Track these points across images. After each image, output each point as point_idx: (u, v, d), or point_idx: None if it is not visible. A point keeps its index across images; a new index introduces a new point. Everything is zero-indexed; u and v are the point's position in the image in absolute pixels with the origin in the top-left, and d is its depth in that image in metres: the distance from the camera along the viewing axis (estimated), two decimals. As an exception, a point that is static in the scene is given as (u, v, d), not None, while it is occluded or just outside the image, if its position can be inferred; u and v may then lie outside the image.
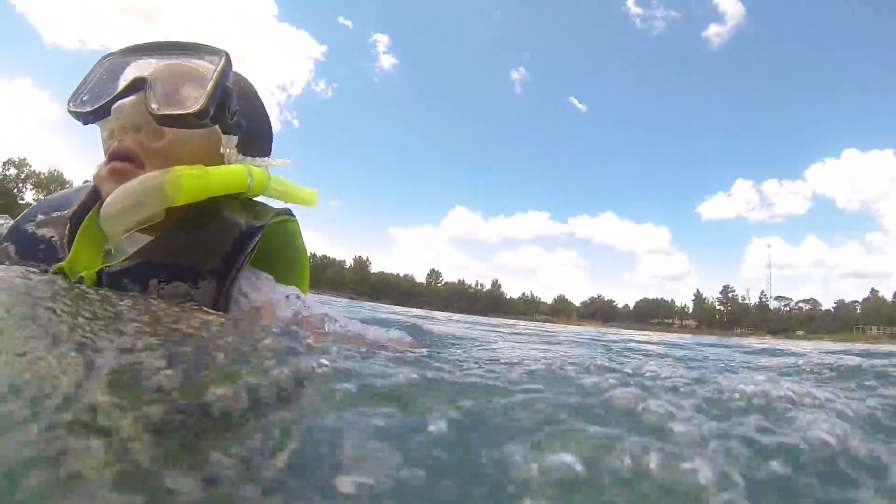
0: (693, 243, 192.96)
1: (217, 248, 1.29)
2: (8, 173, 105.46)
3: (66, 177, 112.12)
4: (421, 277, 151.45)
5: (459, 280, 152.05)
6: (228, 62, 1.37)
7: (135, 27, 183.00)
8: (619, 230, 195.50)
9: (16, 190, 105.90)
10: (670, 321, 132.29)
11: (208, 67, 1.38)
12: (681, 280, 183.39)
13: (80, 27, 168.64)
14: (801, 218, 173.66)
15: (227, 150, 1.43)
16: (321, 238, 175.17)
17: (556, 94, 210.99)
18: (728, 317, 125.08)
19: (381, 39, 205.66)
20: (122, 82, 1.35)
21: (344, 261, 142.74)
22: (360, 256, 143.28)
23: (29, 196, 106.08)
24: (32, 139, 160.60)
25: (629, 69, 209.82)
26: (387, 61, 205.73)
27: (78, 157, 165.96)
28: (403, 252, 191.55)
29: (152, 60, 1.39)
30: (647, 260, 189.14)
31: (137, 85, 1.31)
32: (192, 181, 1.27)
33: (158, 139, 1.33)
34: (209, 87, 1.32)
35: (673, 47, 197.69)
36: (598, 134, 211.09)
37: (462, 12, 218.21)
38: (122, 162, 1.30)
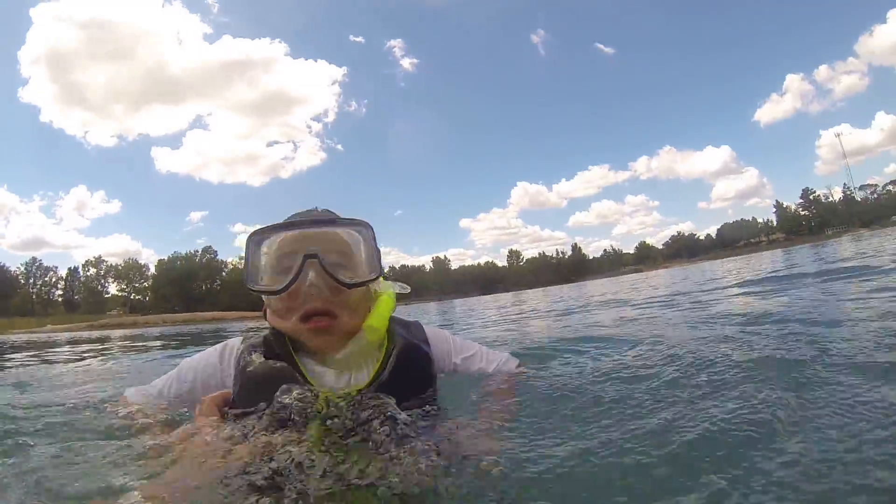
0: (759, 154, 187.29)
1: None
2: (89, 273, 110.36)
3: (141, 261, 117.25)
4: (502, 261, 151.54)
5: (540, 254, 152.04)
6: (371, 228, 1.84)
7: (164, 112, 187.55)
8: (681, 161, 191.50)
9: (100, 287, 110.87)
10: (756, 240, 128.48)
11: (352, 234, 1.83)
12: (757, 195, 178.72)
13: (115, 125, 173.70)
14: (863, 96, 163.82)
15: (378, 288, 1.88)
16: (397, 250, 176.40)
17: (580, 44, 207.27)
18: (815, 220, 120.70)
19: (397, 44, 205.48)
20: (295, 259, 1.71)
21: (423, 265, 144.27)
22: (437, 257, 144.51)
23: (112, 288, 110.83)
24: (100, 238, 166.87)
25: None
26: (408, 63, 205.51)
27: (145, 241, 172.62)
28: (480, 240, 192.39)
29: (300, 233, 1.77)
30: (717, 184, 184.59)
31: (310, 259, 1.68)
32: (381, 330, 1.80)
33: (340, 295, 1.73)
34: (374, 254, 1.83)
35: None
36: (632, 73, 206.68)
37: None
38: (321, 318, 1.70)
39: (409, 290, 1.99)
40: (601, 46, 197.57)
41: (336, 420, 1.52)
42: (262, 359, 1.72)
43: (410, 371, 1.80)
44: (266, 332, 1.83)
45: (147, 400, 1.92)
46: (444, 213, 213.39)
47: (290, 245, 1.75)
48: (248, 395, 1.65)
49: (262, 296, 1.77)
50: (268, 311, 1.83)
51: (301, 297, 1.70)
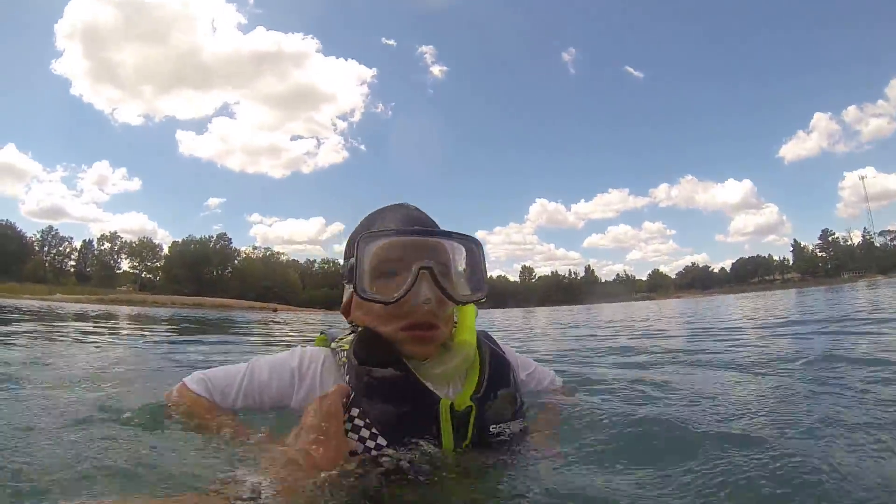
0: (781, 191, 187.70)
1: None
2: (104, 248, 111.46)
3: (156, 241, 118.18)
4: (514, 276, 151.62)
5: (553, 272, 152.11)
6: (481, 246, 1.85)
7: (192, 97, 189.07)
8: (702, 192, 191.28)
9: (112, 262, 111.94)
10: (771, 278, 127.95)
11: (462, 249, 1.82)
12: (775, 232, 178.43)
13: (143, 105, 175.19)
14: (891, 140, 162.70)
15: None
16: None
17: (611, 65, 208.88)
18: (832, 262, 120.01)
19: (428, 51, 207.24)
20: (403, 267, 1.68)
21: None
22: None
23: (125, 265, 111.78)
24: (117, 214, 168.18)
25: (678, 25, 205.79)
26: (438, 70, 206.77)
27: (161, 222, 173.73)
28: (493, 253, 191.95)
29: (412, 240, 1.73)
30: (736, 217, 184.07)
31: (424, 271, 1.65)
32: (473, 343, 1.78)
33: (444, 308, 1.72)
34: (482, 270, 1.84)
35: None
36: (660, 99, 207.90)
37: (500, 4, 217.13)
38: (426, 331, 1.68)
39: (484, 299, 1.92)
40: (631, 70, 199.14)
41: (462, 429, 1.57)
42: (382, 368, 1.66)
43: (501, 385, 1.79)
44: (360, 337, 1.74)
45: (214, 395, 1.77)
46: (461, 224, 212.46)
47: (401, 252, 1.72)
48: (373, 403, 1.61)
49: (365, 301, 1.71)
50: (359, 312, 1.79)
51: (408, 306, 1.66)
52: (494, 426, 1.63)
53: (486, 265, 1.86)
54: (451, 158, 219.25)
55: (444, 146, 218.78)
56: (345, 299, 1.87)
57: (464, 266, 1.82)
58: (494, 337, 2.02)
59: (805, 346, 5.03)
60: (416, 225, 1.78)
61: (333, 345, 1.78)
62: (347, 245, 1.85)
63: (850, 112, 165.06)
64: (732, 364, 3.70)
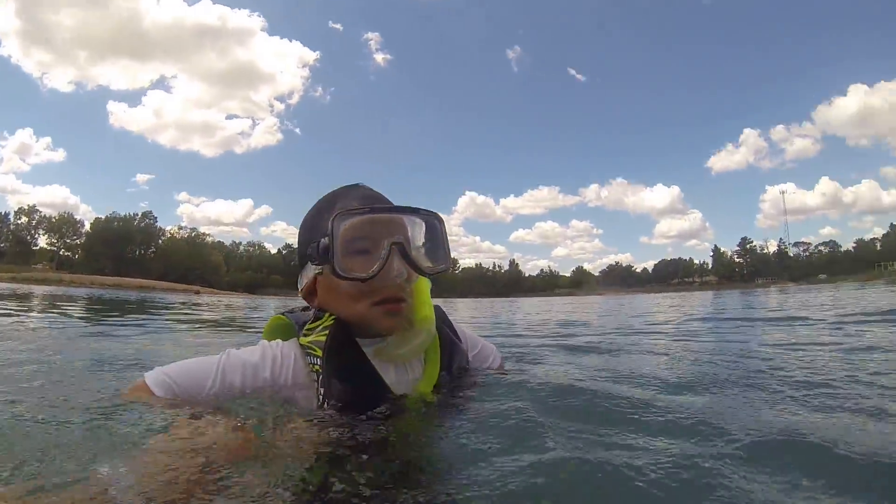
0: (706, 199, 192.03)
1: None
2: (20, 222, 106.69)
3: (77, 216, 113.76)
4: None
5: (477, 264, 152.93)
6: (443, 222, 1.90)
7: (128, 67, 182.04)
8: (631, 194, 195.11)
9: (29, 237, 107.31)
10: (690, 280, 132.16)
11: (427, 224, 1.87)
12: (697, 237, 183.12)
13: (75, 72, 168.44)
14: (813, 160, 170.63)
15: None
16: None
17: (554, 67, 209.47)
18: (748, 269, 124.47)
19: (373, 38, 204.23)
20: (375, 244, 1.72)
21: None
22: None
23: (42, 241, 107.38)
24: (38, 186, 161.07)
25: (623, 32, 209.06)
26: (381, 58, 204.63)
27: (84, 196, 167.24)
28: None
29: (380, 217, 1.76)
30: (661, 221, 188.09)
31: (395, 246, 1.71)
32: (432, 318, 1.80)
33: (412, 282, 1.77)
34: (446, 244, 1.88)
35: (665, 4, 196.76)
36: (599, 102, 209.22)
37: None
38: (396, 304, 1.72)
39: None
40: (573, 72, 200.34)
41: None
42: (345, 369, 1.70)
43: (458, 369, 1.91)
44: (325, 326, 1.76)
45: (179, 396, 1.62)
46: None
47: (370, 229, 1.74)
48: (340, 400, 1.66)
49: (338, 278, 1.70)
50: (326, 294, 1.79)
51: (379, 282, 1.70)
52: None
53: (447, 239, 1.90)
54: (385, 146, 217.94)
55: (379, 134, 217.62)
56: (306, 282, 1.84)
57: (427, 240, 1.86)
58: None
59: (718, 336, 5.45)
60: (377, 203, 1.81)
61: (303, 340, 1.76)
62: (308, 227, 1.86)
63: (778, 130, 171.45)
64: (650, 351, 3.95)
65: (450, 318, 2.07)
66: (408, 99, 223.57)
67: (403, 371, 1.78)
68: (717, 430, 1.49)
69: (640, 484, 1.15)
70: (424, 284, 1.84)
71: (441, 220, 1.88)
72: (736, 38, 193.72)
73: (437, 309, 1.95)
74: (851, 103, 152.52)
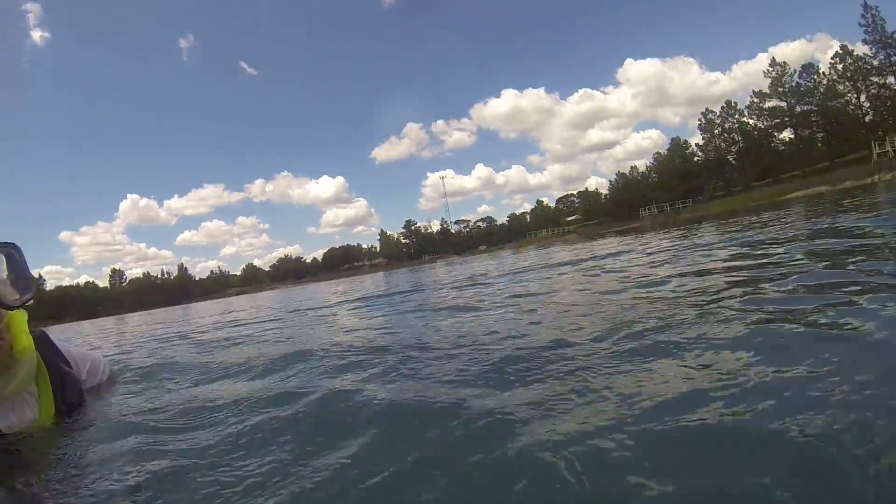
0: (371, 187, 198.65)
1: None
2: None
3: None
4: (104, 281, 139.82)
5: (145, 273, 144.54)
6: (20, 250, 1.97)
7: None
8: (297, 187, 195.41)
9: None
10: (360, 264, 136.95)
11: (4, 257, 1.89)
12: (364, 223, 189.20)
13: None
14: (469, 150, 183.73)
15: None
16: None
17: (226, 58, 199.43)
18: (415, 248, 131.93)
19: (33, 9, 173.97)
20: None
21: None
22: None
23: None
24: None
25: (298, 27, 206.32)
26: (38, 36, 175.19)
27: None
28: (80, 257, 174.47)
29: None
30: (328, 211, 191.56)
31: None
32: (32, 349, 1.89)
33: (3, 318, 1.82)
34: (26, 273, 1.94)
35: (343, 4, 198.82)
36: (270, 97, 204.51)
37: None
38: None
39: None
40: (245, 65, 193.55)
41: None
42: None
43: (70, 392, 1.92)
44: None
45: None
46: (41, 222, 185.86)
47: None
48: None
49: None
50: None
51: None
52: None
53: (28, 266, 1.93)
54: (43, 145, 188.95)
55: (30, 129, 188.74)
56: None
57: (10, 272, 1.83)
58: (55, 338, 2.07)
59: (387, 309, 6.74)
60: None
61: None
62: None
63: (439, 125, 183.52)
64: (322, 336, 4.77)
65: (56, 341, 2.10)
66: (68, 87, 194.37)
67: (21, 410, 1.77)
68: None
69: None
70: (21, 315, 1.87)
71: (18, 249, 1.90)
72: (405, 43, 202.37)
73: (42, 335, 2.00)
74: (504, 104, 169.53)
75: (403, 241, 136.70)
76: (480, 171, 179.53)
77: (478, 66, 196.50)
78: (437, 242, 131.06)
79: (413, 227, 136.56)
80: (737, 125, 79.48)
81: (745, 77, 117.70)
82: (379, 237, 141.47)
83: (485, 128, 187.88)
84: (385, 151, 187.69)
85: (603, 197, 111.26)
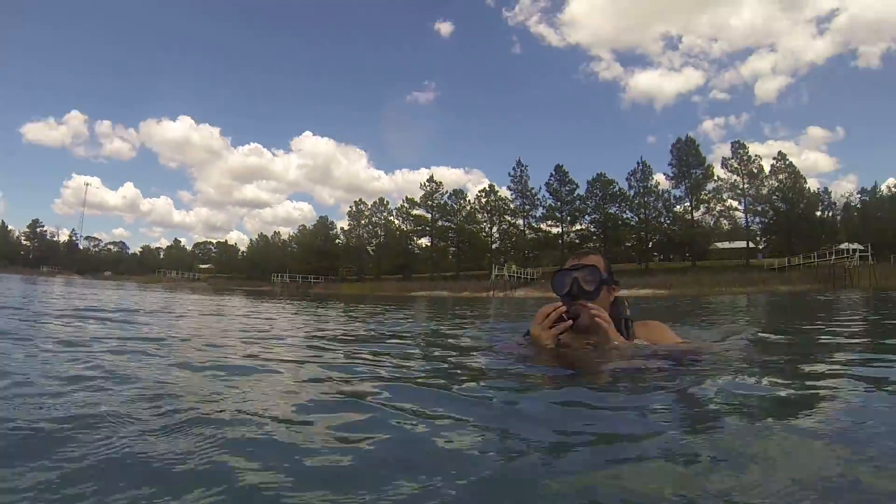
0: (8, 166, 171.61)
1: None
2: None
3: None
4: None
5: None
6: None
7: None
8: None
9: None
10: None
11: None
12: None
13: None
14: (125, 164, 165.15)
15: None
16: None
17: None
18: (34, 253, 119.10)
19: None
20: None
21: None
22: None
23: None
24: None
25: None
26: None
27: None
28: None
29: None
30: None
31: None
32: None
33: None
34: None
35: None
36: None
37: None
38: None
39: None
40: None
41: None
42: None
43: None
44: None
45: None
46: None
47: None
48: None
49: None
50: None
51: None
52: None
53: None
54: None
55: None
56: None
57: None
58: None
59: None
60: None
61: None
62: None
63: (105, 125, 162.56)
64: None
65: None
66: None
67: None
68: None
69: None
70: None
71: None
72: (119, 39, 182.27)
73: None
74: (177, 129, 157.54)
75: (24, 242, 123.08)
76: (129, 190, 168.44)
77: (170, 81, 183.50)
78: (62, 255, 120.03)
79: (39, 230, 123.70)
80: (383, 221, 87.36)
81: (404, 182, 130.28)
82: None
83: (148, 147, 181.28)
84: (39, 131, 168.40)
85: (241, 254, 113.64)
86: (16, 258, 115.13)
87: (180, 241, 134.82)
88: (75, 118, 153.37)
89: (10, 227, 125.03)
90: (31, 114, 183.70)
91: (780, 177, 66.35)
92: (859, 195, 77.16)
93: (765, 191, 66.32)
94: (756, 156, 67.55)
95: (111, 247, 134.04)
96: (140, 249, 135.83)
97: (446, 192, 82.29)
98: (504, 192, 78.63)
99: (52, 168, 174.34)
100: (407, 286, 62.73)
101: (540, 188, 75.78)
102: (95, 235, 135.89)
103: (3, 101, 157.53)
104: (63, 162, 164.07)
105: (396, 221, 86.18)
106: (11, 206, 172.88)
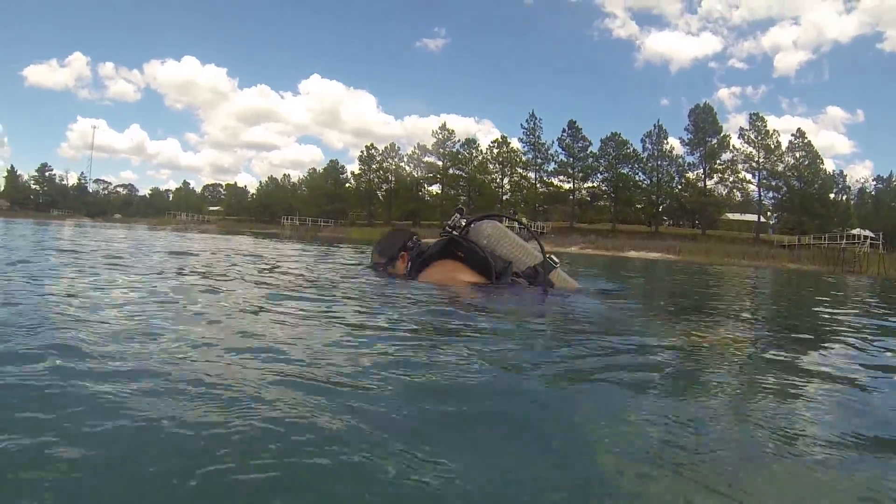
0: (12, 110, 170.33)
1: None
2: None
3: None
4: None
5: None
6: None
7: None
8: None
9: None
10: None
11: None
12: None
13: None
14: (130, 105, 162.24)
15: None
16: None
17: None
18: (45, 198, 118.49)
19: None
20: None
21: None
22: None
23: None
24: None
25: None
26: None
27: None
28: None
29: None
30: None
31: None
32: None
33: None
34: None
35: None
36: None
37: None
38: None
39: None
40: None
41: None
42: None
43: None
44: None
45: None
46: None
47: None
48: None
49: None
50: None
51: None
52: None
53: None
54: None
55: None
56: None
57: None
58: None
59: None
60: None
61: None
62: None
63: (108, 67, 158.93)
64: None
65: None
66: None
67: None
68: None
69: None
70: None
71: None
72: None
73: None
74: (182, 71, 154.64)
75: (34, 186, 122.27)
76: (135, 133, 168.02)
77: (174, 21, 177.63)
78: (71, 198, 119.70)
79: (47, 174, 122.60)
80: (394, 167, 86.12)
81: (414, 129, 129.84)
82: (6, 174, 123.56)
83: (153, 88, 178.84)
84: (41, 73, 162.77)
85: (250, 196, 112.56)
86: (27, 203, 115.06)
87: (189, 184, 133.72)
88: (77, 59, 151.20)
89: (19, 171, 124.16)
90: (32, 56, 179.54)
91: (798, 154, 65.32)
92: (874, 182, 77.00)
93: (780, 167, 65.33)
94: (774, 130, 66.24)
95: (120, 189, 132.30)
96: (149, 192, 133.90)
97: (458, 140, 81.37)
98: (516, 145, 77.61)
99: (56, 111, 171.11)
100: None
101: (553, 143, 74.73)
102: (104, 178, 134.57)
103: (3, 44, 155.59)
104: (67, 105, 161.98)
105: (408, 168, 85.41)
106: (19, 151, 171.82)
